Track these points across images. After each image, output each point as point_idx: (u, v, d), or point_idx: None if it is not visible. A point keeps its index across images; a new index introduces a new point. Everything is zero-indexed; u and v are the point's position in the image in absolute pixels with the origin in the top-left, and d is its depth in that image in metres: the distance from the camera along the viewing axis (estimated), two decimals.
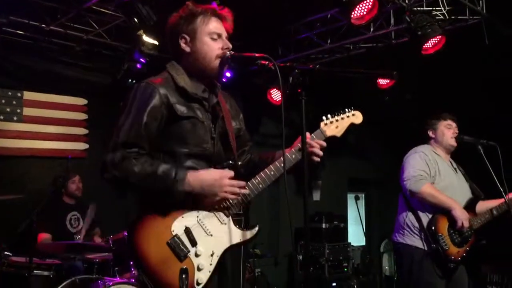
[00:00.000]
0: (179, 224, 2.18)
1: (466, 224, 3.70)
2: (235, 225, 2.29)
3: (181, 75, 2.32)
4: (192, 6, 2.37)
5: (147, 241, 2.14)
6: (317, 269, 7.38)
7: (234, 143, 2.44)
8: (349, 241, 8.17)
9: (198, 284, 2.17)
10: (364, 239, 8.65)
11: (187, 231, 2.19)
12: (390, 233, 4.08)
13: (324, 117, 2.49)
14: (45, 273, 4.42)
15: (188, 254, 2.17)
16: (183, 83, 2.29)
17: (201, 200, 2.20)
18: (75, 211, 5.41)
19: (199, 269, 2.18)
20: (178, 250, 2.15)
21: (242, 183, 2.25)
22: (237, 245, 2.30)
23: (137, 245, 2.13)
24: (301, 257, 7.39)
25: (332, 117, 2.51)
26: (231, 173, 2.22)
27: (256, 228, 2.34)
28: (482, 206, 3.99)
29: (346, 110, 2.57)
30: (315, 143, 2.38)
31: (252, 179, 2.33)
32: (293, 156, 2.37)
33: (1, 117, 5.78)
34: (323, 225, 7.78)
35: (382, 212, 9.78)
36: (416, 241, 3.75)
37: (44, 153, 6.04)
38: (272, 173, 2.33)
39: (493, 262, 6.87)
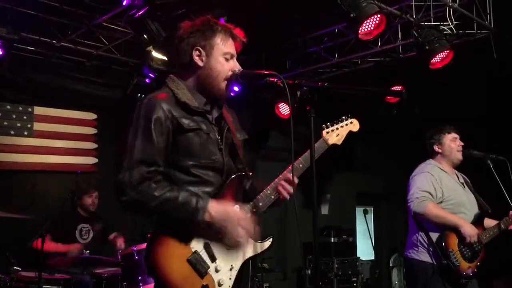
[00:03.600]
0: (198, 240, 2.17)
1: (475, 239, 3.67)
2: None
3: (181, 89, 2.29)
4: (213, 21, 2.34)
5: (168, 259, 2.09)
6: (326, 284, 7.32)
7: (242, 154, 2.44)
8: (358, 255, 8.11)
9: None
10: (373, 253, 8.58)
11: (207, 246, 2.17)
12: (399, 247, 4.07)
13: (324, 126, 2.51)
14: (54, 287, 4.42)
15: (208, 270, 2.14)
16: (184, 98, 2.26)
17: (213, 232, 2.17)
18: (87, 223, 5.42)
19: (219, 285, 2.16)
20: (199, 266, 2.12)
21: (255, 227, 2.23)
22: (253, 258, 2.31)
23: (157, 264, 2.09)
24: (309, 272, 7.34)
25: (332, 125, 2.55)
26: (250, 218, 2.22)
27: (270, 239, 2.36)
28: (490, 220, 3.96)
29: (344, 117, 2.60)
30: (284, 182, 2.36)
31: (264, 190, 2.35)
32: (268, 192, 2.36)
33: (12, 132, 5.84)
34: (332, 239, 7.73)
35: (391, 226, 9.71)
36: (429, 258, 3.73)
37: (54, 167, 6.09)
38: (268, 192, 2.37)
39: (504, 278, 6.79)
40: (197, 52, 2.29)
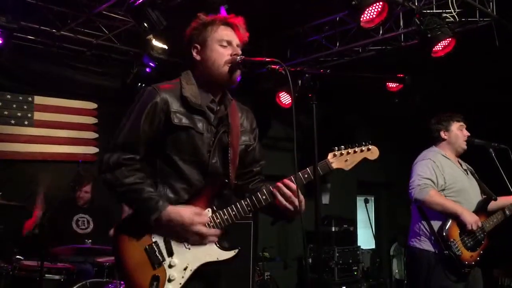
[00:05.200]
0: (161, 233, 2.21)
1: (476, 227, 3.66)
2: (215, 243, 2.25)
3: (190, 84, 2.34)
4: (203, 16, 2.41)
5: (127, 244, 2.19)
6: (327, 273, 7.36)
7: (235, 160, 2.39)
8: (358, 244, 8.14)
9: None
10: (374, 242, 8.61)
11: (167, 240, 2.21)
12: (400, 236, 4.07)
13: (336, 148, 2.37)
14: (56, 277, 4.44)
15: (163, 263, 2.19)
16: (187, 94, 2.29)
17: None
18: (84, 213, 5.41)
19: (169, 280, 2.17)
20: (153, 257, 2.18)
21: (213, 231, 2.22)
22: (214, 263, 2.25)
23: (118, 247, 2.21)
24: (310, 261, 7.37)
25: (344, 149, 2.37)
26: (203, 219, 2.20)
27: (236, 250, 2.28)
28: (494, 206, 3.93)
29: (363, 143, 2.42)
30: (287, 191, 2.23)
31: (253, 196, 2.28)
32: (264, 197, 2.26)
33: (12, 122, 5.83)
34: (333, 229, 7.76)
35: (392, 215, 9.74)
36: (432, 247, 3.73)
37: (54, 157, 6.08)
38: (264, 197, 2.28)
39: (504, 266, 6.82)
40: (195, 49, 2.39)
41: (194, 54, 2.38)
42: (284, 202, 2.22)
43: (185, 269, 2.20)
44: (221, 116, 2.38)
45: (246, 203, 2.27)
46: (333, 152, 2.37)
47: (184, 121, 2.26)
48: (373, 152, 2.43)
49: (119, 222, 2.30)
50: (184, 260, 2.21)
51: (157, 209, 2.14)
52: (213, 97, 2.36)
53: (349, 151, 2.38)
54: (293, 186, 2.22)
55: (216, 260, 2.25)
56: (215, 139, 2.33)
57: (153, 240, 2.20)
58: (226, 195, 2.37)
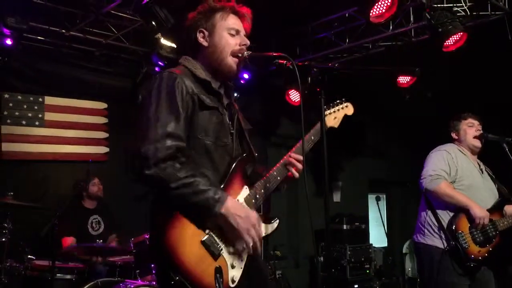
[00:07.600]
0: (218, 224, 2.10)
1: (485, 222, 3.61)
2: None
3: (198, 69, 2.29)
4: (212, 2, 2.37)
5: (182, 242, 2.00)
6: (339, 271, 7.31)
7: (249, 140, 2.43)
8: (370, 242, 8.08)
9: (233, 282, 2.11)
10: (386, 240, 8.54)
11: (219, 228, 2.10)
12: (412, 233, 4.02)
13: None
14: (68, 276, 4.46)
15: (222, 252, 2.09)
16: (204, 76, 2.26)
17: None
18: (96, 214, 5.46)
19: (232, 267, 2.12)
20: (212, 248, 2.06)
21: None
22: (264, 238, 2.28)
23: (171, 248, 1.98)
24: (322, 259, 7.33)
25: (329, 108, 2.59)
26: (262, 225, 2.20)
27: (277, 221, 2.38)
28: (510, 208, 3.88)
29: (338, 101, 2.65)
30: (293, 159, 2.38)
31: (271, 171, 2.37)
32: (275, 173, 2.37)
33: (23, 122, 5.86)
34: (344, 227, 7.71)
35: (404, 212, 9.66)
36: (436, 241, 3.70)
37: (65, 157, 6.11)
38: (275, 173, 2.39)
39: None
40: (201, 34, 2.33)
41: (200, 39, 2.32)
42: (296, 174, 2.38)
43: (242, 250, 2.14)
44: (228, 103, 2.38)
45: (275, 173, 2.36)
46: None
47: (211, 102, 2.23)
48: (349, 108, 2.69)
49: (159, 223, 2.04)
50: (240, 244, 2.12)
51: (219, 201, 2.01)
52: (219, 82, 2.34)
53: (335, 110, 2.62)
54: (301, 158, 2.38)
55: (266, 234, 2.31)
56: (233, 121, 2.35)
57: (207, 231, 2.07)
58: (253, 172, 2.42)
